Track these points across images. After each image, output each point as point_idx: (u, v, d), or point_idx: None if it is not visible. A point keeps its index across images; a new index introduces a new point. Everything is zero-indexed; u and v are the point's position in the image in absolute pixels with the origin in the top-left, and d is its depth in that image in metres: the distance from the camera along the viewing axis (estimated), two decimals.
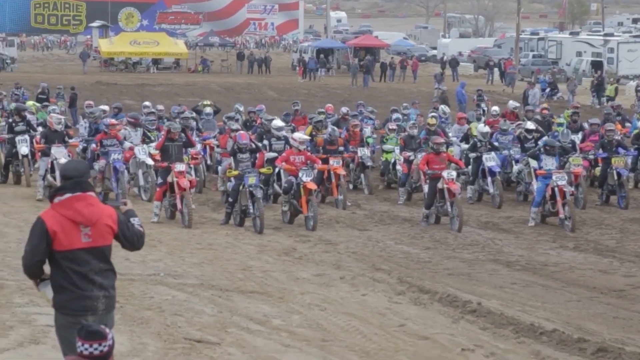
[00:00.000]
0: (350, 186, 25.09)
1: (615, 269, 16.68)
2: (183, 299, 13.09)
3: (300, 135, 21.77)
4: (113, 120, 23.10)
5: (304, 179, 20.18)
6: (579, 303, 14.40)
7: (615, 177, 22.69)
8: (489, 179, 23.14)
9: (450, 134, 27.00)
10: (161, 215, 20.15)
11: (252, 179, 19.48)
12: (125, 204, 8.09)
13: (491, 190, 23.05)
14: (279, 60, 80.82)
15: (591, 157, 23.83)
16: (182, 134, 21.29)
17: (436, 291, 14.34)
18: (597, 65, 64.74)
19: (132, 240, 7.84)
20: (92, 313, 7.61)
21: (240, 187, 19.62)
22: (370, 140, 26.60)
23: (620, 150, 23.47)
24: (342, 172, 22.93)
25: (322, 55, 71.93)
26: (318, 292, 14.08)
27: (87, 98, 38.17)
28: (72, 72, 68.73)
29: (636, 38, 76.10)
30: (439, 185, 20.17)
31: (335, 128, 25.77)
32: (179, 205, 19.78)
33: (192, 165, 22.44)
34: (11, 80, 48.65)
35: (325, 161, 22.65)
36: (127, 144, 22.77)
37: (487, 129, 24.26)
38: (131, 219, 7.89)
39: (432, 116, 26.58)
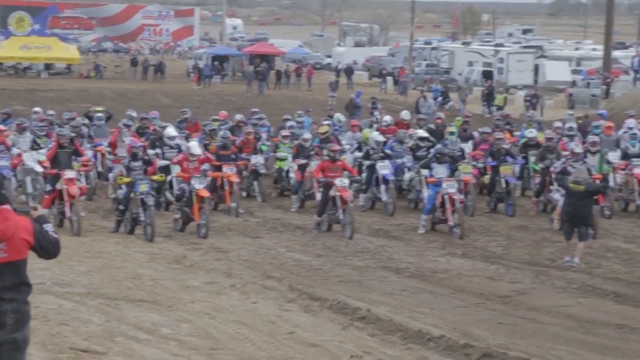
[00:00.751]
0: (244, 193, 25.05)
1: (501, 276, 16.99)
2: (70, 308, 12.89)
3: (195, 147, 21.27)
4: (0, 126, 22.60)
5: (197, 186, 20.03)
6: (465, 309, 14.65)
7: (504, 185, 23.13)
8: (383, 187, 23.34)
9: (343, 142, 27.18)
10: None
11: (143, 187, 19.41)
12: (35, 209, 7.89)
13: (384, 198, 23.25)
14: (174, 66, 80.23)
15: (480, 165, 24.21)
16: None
17: (326, 298, 14.41)
18: (487, 75, 65.91)
19: (47, 249, 7.62)
20: (0, 328, 7.43)
21: (132, 195, 19.51)
22: (264, 148, 26.63)
23: (509, 158, 23.92)
24: (235, 179, 22.89)
25: (216, 62, 71.65)
26: (208, 300, 14.03)
27: None
28: None
29: (525, 49, 77.73)
30: (332, 192, 20.24)
31: (229, 134, 25.75)
32: (67, 213, 19.56)
33: (82, 172, 22.16)
34: None
35: (219, 168, 22.60)
36: (15, 150, 22.34)
37: (381, 137, 24.51)
38: (44, 226, 7.67)
39: (324, 124, 26.72)
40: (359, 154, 25.17)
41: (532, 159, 24.59)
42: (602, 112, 32.96)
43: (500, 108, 49.46)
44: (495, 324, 13.78)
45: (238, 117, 29.40)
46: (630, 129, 26.64)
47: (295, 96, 61.26)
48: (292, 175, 24.61)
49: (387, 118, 30.00)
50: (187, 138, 27.38)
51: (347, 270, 17.20)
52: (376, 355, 11.63)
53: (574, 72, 69.66)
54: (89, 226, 20.32)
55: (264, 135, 27.76)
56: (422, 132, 25.52)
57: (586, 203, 17.66)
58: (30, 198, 22.26)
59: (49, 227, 7.69)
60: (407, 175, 24.28)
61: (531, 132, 25.79)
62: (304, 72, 70.21)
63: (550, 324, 13.89)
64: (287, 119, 29.07)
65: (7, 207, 7.53)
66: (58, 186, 19.59)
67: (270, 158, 27.01)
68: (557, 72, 70.11)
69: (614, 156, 24.18)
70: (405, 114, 30.78)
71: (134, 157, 20.12)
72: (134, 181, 19.54)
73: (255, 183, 25.08)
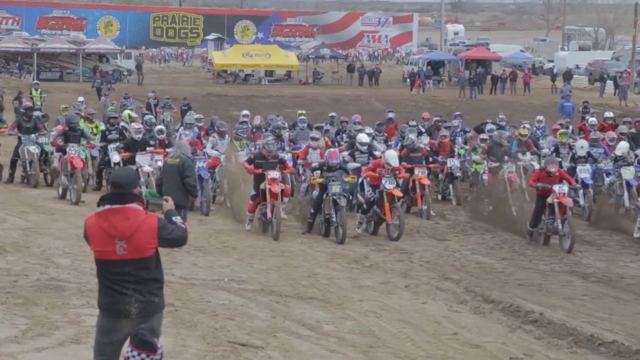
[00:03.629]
0: (439, 197, 24.92)
1: None
2: (239, 304, 13.20)
3: (392, 157, 20.58)
4: (185, 138, 23.35)
5: (388, 186, 19.82)
6: None
7: None
8: (581, 192, 22.73)
9: (543, 145, 26.62)
10: (254, 226, 19.83)
11: (336, 188, 19.33)
12: (167, 200, 8.15)
13: (581, 202, 22.64)
14: (391, 72, 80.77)
15: None
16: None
17: (500, 301, 14.11)
18: None
19: (173, 243, 7.92)
20: (125, 316, 7.73)
21: (324, 196, 19.51)
22: (461, 152, 26.40)
23: None
24: (426, 181, 22.77)
25: (429, 67, 71.52)
26: (378, 299, 14.04)
27: (198, 109, 38.89)
28: (186, 84, 69.99)
29: None
30: (549, 199, 19.12)
31: (427, 138, 25.75)
32: (268, 214, 19.20)
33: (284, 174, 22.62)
34: (128, 91, 49.79)
35: (410, 171, 22.54)
36: (213, 152, 23.06)
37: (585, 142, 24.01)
38: (173, 218, 7.94)
39: (524, 127, 26.24)
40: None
41: None
42: None
43: None
44: None
45: (455, 122, 29.34)
46: None
47: (509, 101, 60.41)
48: (484, 177, 24.25)
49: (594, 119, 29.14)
50: (385, 141, 27.58)
51: (530, 274, 16.81)
52: (537, 358, 11.35)
53: None
54: (282, 227, 20.68)
55: (459, 139, 27.51)
56: (622, 149, 23.95)
57: None
58: (228, 198, 22.88)
59: (177, 219, 7.91)
60: (607, 180, 23.48)
61: None
62: (519, 77, 69.05)
63: None
64: (486, 122, 28.70)
65: (133, 205, 7.79)
66: (262, 186, 19.41)
67: (467, 162, 26.70)
68: None
69: None
70: (607, 114, 29.79)
71: (329, 169, 19.74)
72: (327, 182, 19.49)
73: (450, 186, 24.90)
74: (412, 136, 23.82)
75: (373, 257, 17.52)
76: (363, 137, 22.99)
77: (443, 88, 70.78)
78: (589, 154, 23.57)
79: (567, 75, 69.07)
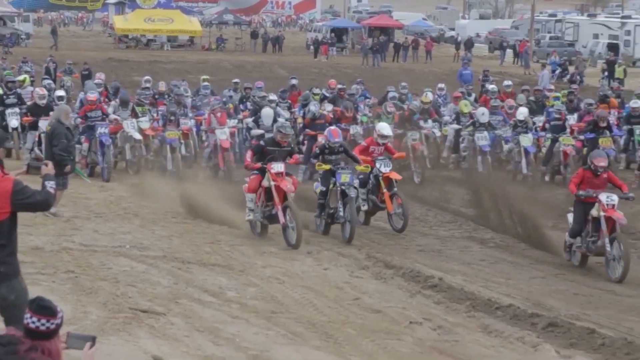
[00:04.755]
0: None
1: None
2: (141, 271, 13.15)
3: (385, 127, 18.26)
4: (91, 96, 22.91)
5: (383, 169, 17.23)
6: (543, 280, 14.39)
7: None
8: (479, 158, 23.17)
9: (445, 111, 26.98)
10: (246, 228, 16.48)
11: (345, 177, 16.18)
12: (46, 165, 8.06)
13: (480, 169, 23.01)
14: (294, 39, 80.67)
15: (582, 137, 23.63)
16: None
17: (401, 266, 14.33)
18: (613, 48, 64.23)
19: (31, 207, 7.92)
20: None
21: (330, 186, 16.36)
22: (364, 119, 26.56)
23: (616, 131, 23.46)
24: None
25: (333, 35, 71.66)
26: (280, 265, 14.12)
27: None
28: (87, 49, 68.86)
29: None
30: (593, 212, 14.79)
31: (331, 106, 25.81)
32: (281, 219, 15.59)
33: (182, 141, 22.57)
34: (25, 54, 48.72)
35: (314, 138, 22.63)
36: (112, 117, 22.75)
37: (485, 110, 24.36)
38: (46, 183, 7.87)
39: (426, 94, 26.55)
40: (457, 126, 24.84)
41: (637, 131, 23.95)
42: None
43: (620, 81, 48.14)
44: (571, 295, 13.49)
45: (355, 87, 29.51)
46: None
47: (411, 69, 60.87)
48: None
49: (494, 85, 29.67)
50: (289, 108, 27.58)
51: (430, 240, 17.05)
52: (436, 322, 11.55)
53: None
54: None
55: (362, 106, 27.67)
56: (523, 114, 24.47)
57: None
58: (129, 164, 22.67)
59: (49, 184, 7.86)
60: (506, 147, 23.91)
61: (635, 103, 25.07)
62: (422, 45, 69.65)
63: (629, 295, 13.54)
64: (390, 91, 28.92)
65: None
66: (264, 183, 15.84)
67: (370, 129, 26.85)
68: None
69: None
70: (505, 83, 30.38)
71: (331, 150, 16.65)
72: (335, 170, 16.32)
73: None
74: (313, 108, 23.82)
75: (276, 225, 17.53)
76: (269, 112, 22.85)
77: (346, 55, 70.97)
78: (488, 122, 23.94)
79: (469, 44, 69.86)
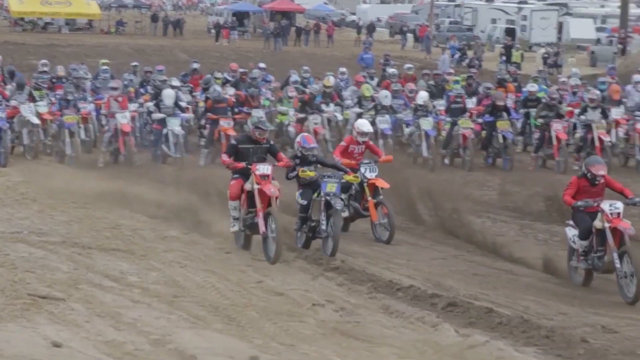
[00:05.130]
0: None
1: (486, 228, 16.78)
2: (40, 256, 12.97)
3: (364, 124, 16.49)
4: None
5: (368, 175, 15.76)
6: (443, 261, 14.60)
7: (501, 140, 22.97)
8: (381, 142, 23.30)
9: (347, 95, 27.10)
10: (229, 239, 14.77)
11: (331, 186, 14.36)
12: None
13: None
14: (195, 23, 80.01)
15: (481, 120, 23.99)
16: None
17: (304, 249, 14.39)
18: (510, 33, 65.31)
19: None
20: None
21: (315, 196, 14.47)
22: (266, 103, 26.57)
23: (513, 114, 23.94)
24: (232, 132, 22.80)
25: (234, 18, 71.37)
26: (182, 249, 14.07)
27: None
28: None
29: (549, 6, 76.83)
30: (596, 223, 13.01)
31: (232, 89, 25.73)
32: (261, 227, 13.90)
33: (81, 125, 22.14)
34: None
35: (215, 122, 22.59)
36: (13, 102, 22.33)
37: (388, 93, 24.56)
38: None
39: (328, 78, 26.64)
40: (359, 110, 24.96)
41: (534, 114, 24.41)
42: (611, 66, 32.63)
43: (517, 65, 48.97)
44: (470, 275, 13.71)
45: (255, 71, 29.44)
46: (638, 83, 26.37)
47: (313, 53, 60.98)
48: (291, 129, 24.49)
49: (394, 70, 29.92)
50: (191, 91, 27.40)
51: None
52: (338, 304, 11.64)
53: (599, 29, 68.80)
54: None
55: (264, 89, 27.65)
56: (423, 98, 24.72)
57: None
58: (28, 150, 22.30)
59: None
60: (407, 130, 24.15)
61: (532, 87, 25.58)
62: (323, 29, 69.83)
63: (525, 275, 13.82)
64: (291, 75, 28.96)
65: None
66: (247, 186, 14.19)
67: (272, 113, 26.87)
68: (581, 29, 69.23)
69: (616, 112, 23.88)
70: (406, 67, 30.71)
71: (304, 159, 14.66)
72: (320, 179, 14.45)
73: None
74: (218, 88, 23.76)
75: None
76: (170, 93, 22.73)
77: (248, 39, 70.73)
78: (390, 106, 24.15)
79: (371, 28, 70.28)
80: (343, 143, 16.37)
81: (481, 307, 11.57)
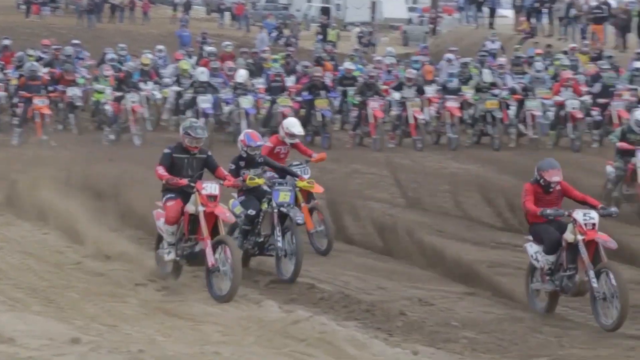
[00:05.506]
0: (59, 126, 24.38)
1: None
2: None
3: (294, 124, 14.48)
4: None
5: (305, 177, 13.71)
6: None
7: (319, 118, 23.30)
8: (202, 120, 23.18)
9: (165, 73, 26.91)
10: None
11: (284, 196, 12.52)
12: None
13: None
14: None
15: (300, 99, 24.22)
16: None
17: (122, 231, 14.24)
18: (326, 12, 66.07)
19: None
20: None
21: (264, 207, 12.49)
22: (81, 81, 26.04)
23: (333, 93, 24.33)
24: (47, 111, 22.31)
25: None
26: None
27: None
28: None
29: None
30: (567, 237, 11.08)
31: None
32: (210, 261, 11.43)
33: None
34: None
35: (29, 100, 22.05)
36: None
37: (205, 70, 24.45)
38: None
39: (145, 56, 26.38)
40: (177, 88, 24.80)
41: (350, 92, 24.85)
42: (424, 45, 33.63)
43: (333, 44, 49.62)
44: None
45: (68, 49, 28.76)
46: (449, 61, 27.25)
47: (129, 30, 60.06)
48: (107, 107, 24.10)
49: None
50: (2, 69, 26.59)
51: None
52: (161, 283, 11.61)
53: (411, 9, 70.44)
54: None
55: (79, 67, 27.10)
56: (242, 76, 24.73)
57: None
58: None
59: None
60: (227, 109, 24.13)
61: (350, 65, 26.05)
62: (138, 6, 68.87)
63: (344, 251, 14.06)
64: (107, 52, 28.51)
65: None
66: (188, 209, 11.71)
67: (88, 91, 26.36)
68: (393, 9, 70.61)
69: (430, 90, 24.58)
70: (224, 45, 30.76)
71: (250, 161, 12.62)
72: (270, 187, 12.56)
73: (71, 116, 24.47)
74: (35, 64, 23.17)
75: None
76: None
77: (60, 16, 69.02)
78: (208, 83, 24.06)
79: (187, 6, 69.74)
80: (269, 144, 14.09)
81: (303, 283, 11.79)
